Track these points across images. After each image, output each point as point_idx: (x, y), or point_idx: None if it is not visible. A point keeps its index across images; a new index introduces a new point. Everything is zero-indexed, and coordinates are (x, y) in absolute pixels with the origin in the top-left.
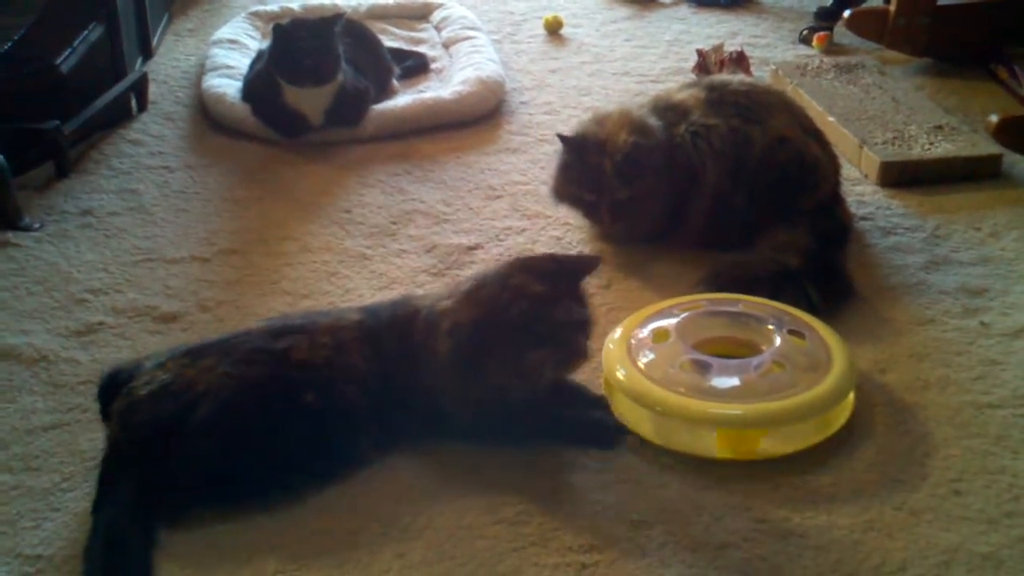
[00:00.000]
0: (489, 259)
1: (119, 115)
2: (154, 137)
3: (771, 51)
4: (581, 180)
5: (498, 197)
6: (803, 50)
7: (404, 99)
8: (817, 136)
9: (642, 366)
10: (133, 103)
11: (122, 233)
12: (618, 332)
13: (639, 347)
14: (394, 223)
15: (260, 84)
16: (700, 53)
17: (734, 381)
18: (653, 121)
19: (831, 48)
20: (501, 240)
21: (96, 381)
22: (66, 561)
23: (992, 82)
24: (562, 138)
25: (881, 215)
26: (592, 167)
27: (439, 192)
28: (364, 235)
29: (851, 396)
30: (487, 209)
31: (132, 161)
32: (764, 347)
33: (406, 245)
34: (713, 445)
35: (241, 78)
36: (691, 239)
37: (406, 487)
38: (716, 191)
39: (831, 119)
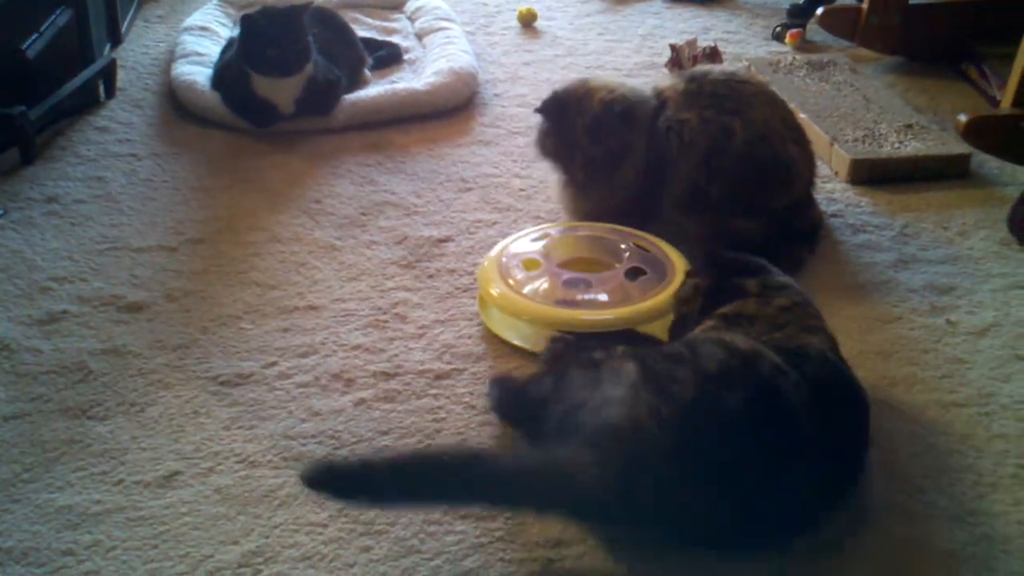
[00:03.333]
0: (459, 252)
1: (86, 101)
2: (122, 124)
3: (744, 47)
4: (560, 142)
5: (469, 189)
6: (776, 47)
7: (376, 89)
8: (797, 132)
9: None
10: (101, 89)
11: (88, 221)
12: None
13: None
14: (364, 214)
15: (230, 73)
16: (673, 48)
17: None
18: (645, 90)
19: (803, 45)
20: (471, 233)
21: (59, 371)
22: (26, 554)
23: (962, 81)
24: (540, 110)
25: (850, 213)
26: (568, 127)
27: (410, 184)
28: (334, 226)
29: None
30: (458, 201)
31: (99, 148)
32: (617, 264)
33: (376, 236)
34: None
35: (211, 65)
36: (663, 223)
37: None
38: (688, 181)
39: (803, 116)
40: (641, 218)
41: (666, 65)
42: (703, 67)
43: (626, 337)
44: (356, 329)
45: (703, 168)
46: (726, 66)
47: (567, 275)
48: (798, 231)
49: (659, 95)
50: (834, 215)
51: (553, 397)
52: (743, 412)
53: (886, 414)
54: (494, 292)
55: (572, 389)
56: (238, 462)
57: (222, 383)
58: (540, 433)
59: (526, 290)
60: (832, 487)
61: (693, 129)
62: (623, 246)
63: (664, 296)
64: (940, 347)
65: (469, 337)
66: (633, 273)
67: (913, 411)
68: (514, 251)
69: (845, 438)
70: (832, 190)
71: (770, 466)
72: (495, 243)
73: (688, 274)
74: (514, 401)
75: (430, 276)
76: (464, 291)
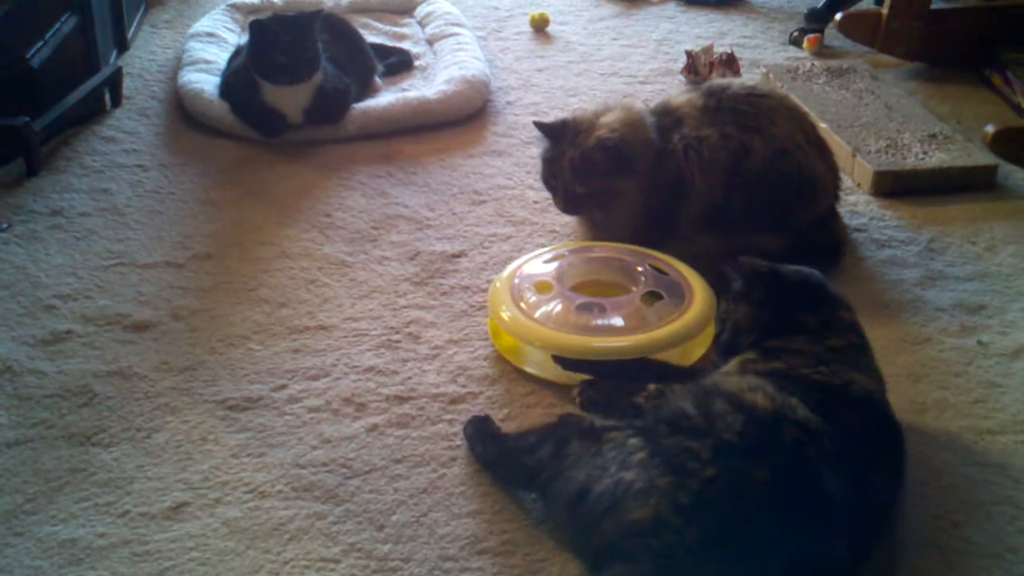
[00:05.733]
0: (473, 267)
1: (92, 111)
2: (128, 134)
3: (761, 52)
4: (549, 166)
5: (483, 202)
6: (793, 52)
7: (387, 98)
8: (820, 146)
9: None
10: (107, 98)
11: (93, 235)
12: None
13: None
14: (375, 228)
15: (238, 81)
16: (689, 55)
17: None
18: (651, 122)
19: (822, 51)
20: (486, 248)
21: (63, 395)
22: None
23: (985, 88)
24: (538, 125)
25: (875, 227)
26: (558, 154)
27: (422, 196)
28: (344, 240)
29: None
30: (471, 215)
31: (105, 159)
32: (633, 287)
33: (388, 252)
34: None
35: (219, 73)
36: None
37: (389, 518)
38: (708, 199)
39: (824, 126)
40: (658, 237)
41: (682, 71)
42: (721, 81)
43: (646, 367)
44: (368, 350)
45: (723, 186)
46: (745, 79)
47: (580, 299)
48: (822, 247)
49: (674, 111)
50: (857, 229)
51: (550, 467)
52: (768, 490)
53: (917, 442)
54: (505, 316)
55: (573, 465)
56: (247, 492)
57: (230, 407)
58: (532, 490)
59: (538, 314)
60: (868, 540)
61: (713, 146)
62: (639, 268)
63: (682, 322)
64: (972, 370)
65: (484, 358)
66: (650, 296)
67: (945, 439)
68: (526, 272)
69: (879, 491)
70: (855, 203)
71: (801, 539)
72: (509, 258)
73: (734, 295)
74: (502, 460)
75: (443, 293)
76: (478, 309)
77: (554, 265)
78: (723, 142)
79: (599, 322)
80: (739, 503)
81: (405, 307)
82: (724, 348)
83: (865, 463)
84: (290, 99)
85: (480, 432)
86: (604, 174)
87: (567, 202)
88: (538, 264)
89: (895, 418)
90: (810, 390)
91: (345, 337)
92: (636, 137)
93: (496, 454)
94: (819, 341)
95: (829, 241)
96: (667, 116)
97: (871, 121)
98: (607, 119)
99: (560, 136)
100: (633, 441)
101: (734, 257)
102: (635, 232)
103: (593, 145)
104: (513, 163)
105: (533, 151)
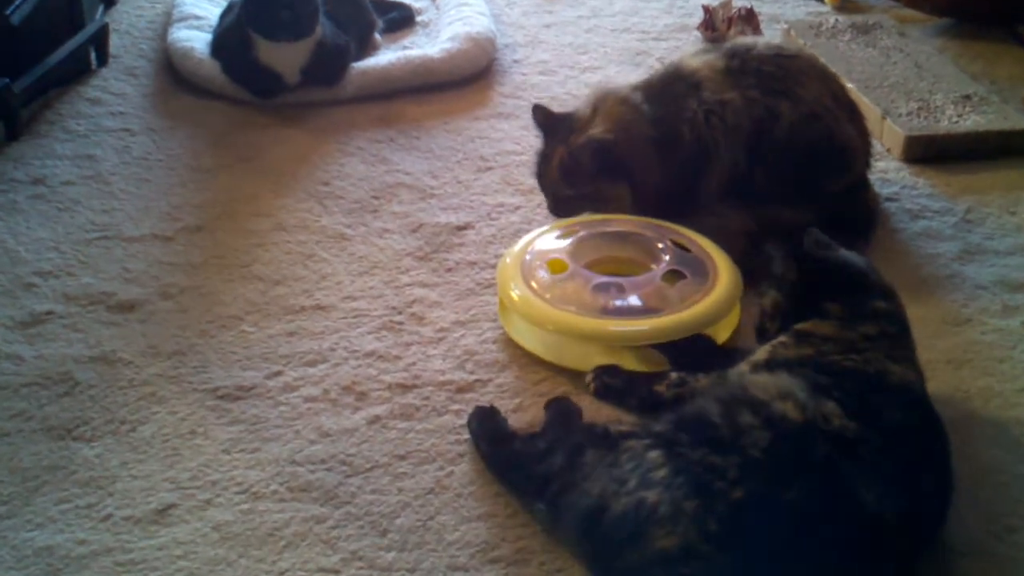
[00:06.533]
0: (480, 241)
1: (76, 70)
2: (115, 95)
3: (781, 7)
4: (540, 159)
5: (489, 169)
6: (815, 7)
7: (388, 56)
8: (850, 109)
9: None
10: (92, 57)
11: (77, 206)
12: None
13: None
14: (376, 198)
15: (231, 38)
16: (706, 10)
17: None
18: (647, 111)
19: (844, 5)
20: (493, 219)
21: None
22: None
23: (1017, 46)
24: (535, 110)
25: (907, 196)
26: (549, 153)
27: (425, 163)
28: (343, 211)
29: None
30: (477, 183)
31: (90, 123)
32: (654, 265)
33: (389, 224)
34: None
35: (210, 30)
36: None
37: (393, 522)
38: (732, 169)
39: (850, 86)
40: (678, 211)
41: (698, 28)
42: (745, 40)
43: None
44: (369, 332)
45: (747, 154)
46: (770, 39)
47: (597, 279)
48: (852, 219)
49: (689, 76)
50: (889, 199)
51: (562, 478)
52: (800, 512)
53: (963, 435)
54: (515, 295)
55: (587, 477)
56: (239, 492)
57: (221, 396)
58: (541, 501)
59: (550, 295)
60: (915, 557)
61: (737, 111)
62: (660, 245)
63: (707, 304)
64: (1017, 355)
65: (493, 342)
66: (672, 275)
67: (993, 431)
68: (538, 248)
69: (925, 500)
70: (885, 169)
71: (842, 564)
72: (518, 231)
73: (772, 277)
74: (509, 466)
75: (448, 270)
76: (486, 287)
77: (568, 241)
78: (747, 106)
79: (617, 303)
80: (771, 528)
81: (408, 285)
82: (760, 331)
83: (908, 470)
84: (286, 57)
85: (486, 428)
86: (594, 178)
87: (555, 204)
88: (550, 240)
89: (935, 411)
90: (843, 380)
91: (344, 318)
92: (631, 136)
93: (503, 459)
94: (851, 328)
95: (861, 213)
96: (680, 81)
97: (900, 81)
98: (600, 116)
99: (555, 131)
100: (653, 454)
101: (779, 239)
102: (654, 209)
103: (582, 145)
104: (521, 126)
105: None
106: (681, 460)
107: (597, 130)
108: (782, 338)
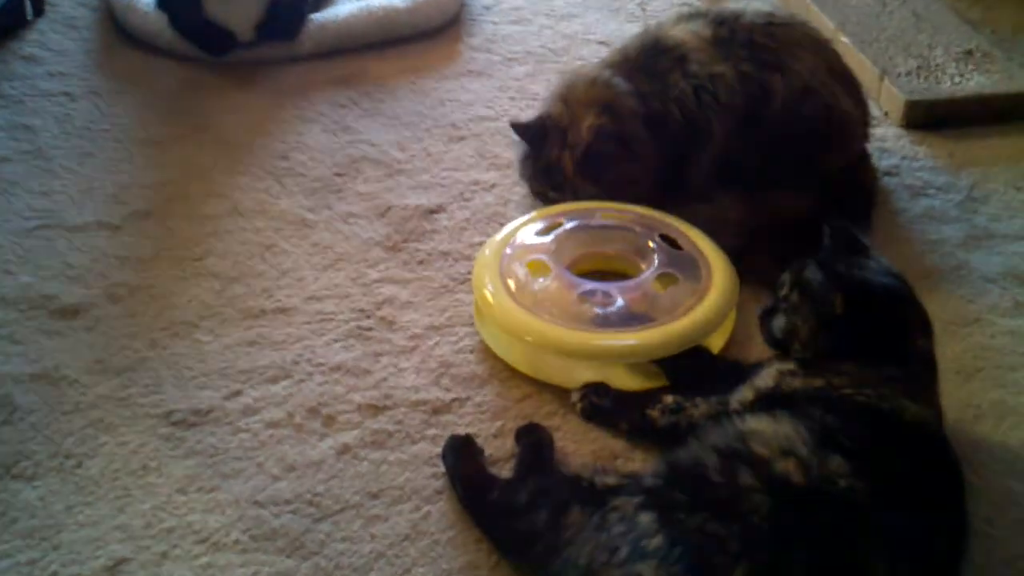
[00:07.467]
0: (453, 227)
1: (10, 22)
2: (53, 52)
3: None
4: (544, 175)
5: (461, 139)
6: None
7: (348, 8)
8: (847, 81)
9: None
10: (27, 6)
11: (13, 187)
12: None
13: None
14: (339, 175)
15: None
16: None
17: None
18: (624, 86)
19: None
20: (467, 199)
21: None
22: None
23: None
24: (516, 127)
25: (907, 169)
26: (553, 161)
27: (391, 131)
28: (304, 191)
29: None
30: (449, 155)
31: (26, 84)
32: (643, 265)
33: (354, 206)
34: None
35: None
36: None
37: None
38: (723, 149)
39: (845, 39)
40: (667, 196)
41: None
42: (731, 7)
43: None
44: (335, 340)
45: (740, 133)
46: (759, 6)
47: (583, 286)
48: (849, 198)
49: (671, 49)
50: (888, 172)
51: (546, 538)
52: None
53: (976, 463)
54: (490, 297)
55: (572, 540)
56: (197, 542)
57: (175, 423)
58: (525, 561)
59: (529, 300)
60: None
61: (729, 87)
62: (650, 243)
63: (699, 313)
64: None
65: (470, 351)
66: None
67: (1007, 456)
68: (520, 241)
69: (940, 556)
70: (884, 137)
71: None
72: (494, 214)
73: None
74: (487, 516)
75: (420, 262)
76: (461, 283)
77: (550, 237)
78: (740, 81)
79: (603, 312)
80: None
81: (376, 281)
82: (773, 342)
83: (921, 531)
84: (238, 11)
85: (461, 467)
86: (616, 162)
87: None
88: (531, 234)
89: (950, 450)
90: (852, 420)
91: (308, 323)
92: (619, 114)
93: (481, 507)
94: (875, 368)
95: (858, 191)
96: (663, 55)
97: (898, 34)
98: (579, 108)
99: (543, 139)
100: (645, 518)
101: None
102: (647, 197)
103: (592, 134)
104: (495, 86)
105: (517, 70)
106: (676, 528)
107: (588, 121)
108: (789, 365)
